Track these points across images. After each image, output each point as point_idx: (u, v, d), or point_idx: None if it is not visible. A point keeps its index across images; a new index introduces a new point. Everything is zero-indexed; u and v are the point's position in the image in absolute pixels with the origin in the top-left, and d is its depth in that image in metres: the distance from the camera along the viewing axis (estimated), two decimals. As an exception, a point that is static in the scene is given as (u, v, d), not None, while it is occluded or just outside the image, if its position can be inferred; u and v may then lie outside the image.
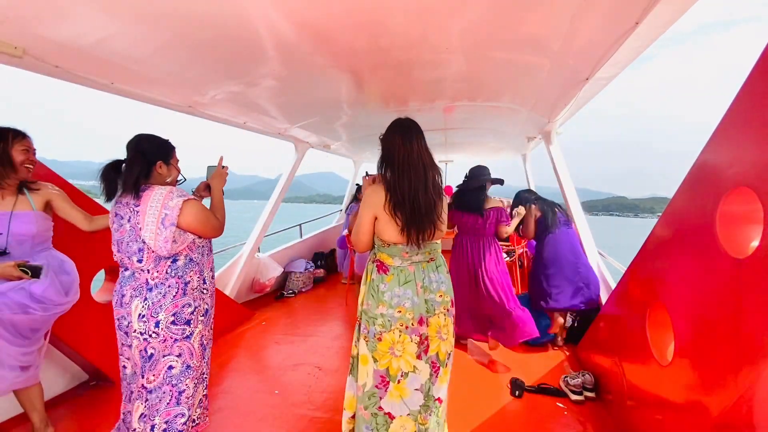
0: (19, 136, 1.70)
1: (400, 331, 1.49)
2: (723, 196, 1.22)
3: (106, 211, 2.35)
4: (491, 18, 1.56)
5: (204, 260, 1.64)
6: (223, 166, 1.79)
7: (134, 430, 1.49)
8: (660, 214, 1.71)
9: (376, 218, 1.50)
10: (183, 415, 1.53)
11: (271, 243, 5.19)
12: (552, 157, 3.51)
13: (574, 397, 2.20)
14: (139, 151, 1.50)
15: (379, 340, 1.50)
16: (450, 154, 6.29)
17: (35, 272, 1.63)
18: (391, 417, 1.50)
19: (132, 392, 1.53)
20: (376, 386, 1.51)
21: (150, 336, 1.47)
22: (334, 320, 3.66)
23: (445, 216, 1.55)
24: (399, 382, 1.50)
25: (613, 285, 2.62)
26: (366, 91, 2.60)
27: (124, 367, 1.56)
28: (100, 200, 2.20)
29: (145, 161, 1.51)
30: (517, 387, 2.32)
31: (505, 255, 5.00)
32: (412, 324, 1.50)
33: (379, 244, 1.55)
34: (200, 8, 1.42)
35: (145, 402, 1.49)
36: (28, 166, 1.73)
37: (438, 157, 6.77)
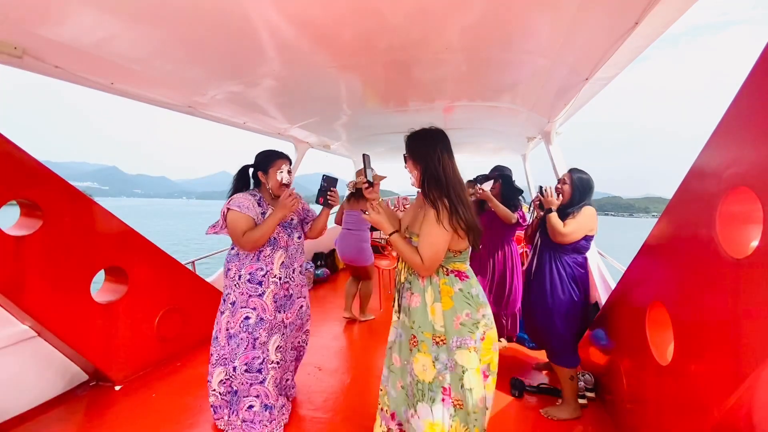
0: None
1: (493, 328, 1.53)
2: (723, 196, 1.22)
3: (104, 209, 2.36)
4: (491, 18, 1.56)
5: (278, 236, 1.97)
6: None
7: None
8: (655, 213, 1.71)
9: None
10: (258, 357, 1.87)
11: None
12: (552, 157, 3.51)
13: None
14: (253, 164, 2.02)
15: (483, 339, 1.49)
16: (450, 154, 6.28)
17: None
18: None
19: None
20: (483, 386, 1.50)
21: (236, 286, 1.89)
22: (335, 320, 3.66)
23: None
24: (495, 375, 1.53)
25: (613, 285, 2.62)
26: (366, 91, 2.60)
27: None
28: (97, 200, 2.25)
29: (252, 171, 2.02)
30: (517, 387, 2.32)
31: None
32: None
33: (450, 255, 1.50)
34: (200, 8, 1.42)
35: (227, 347, 1.89)
36: None
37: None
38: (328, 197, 1.92)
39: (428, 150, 1.49)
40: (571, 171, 2.27)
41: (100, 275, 2.41)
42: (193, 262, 3.38)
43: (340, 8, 1.45)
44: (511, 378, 2.41)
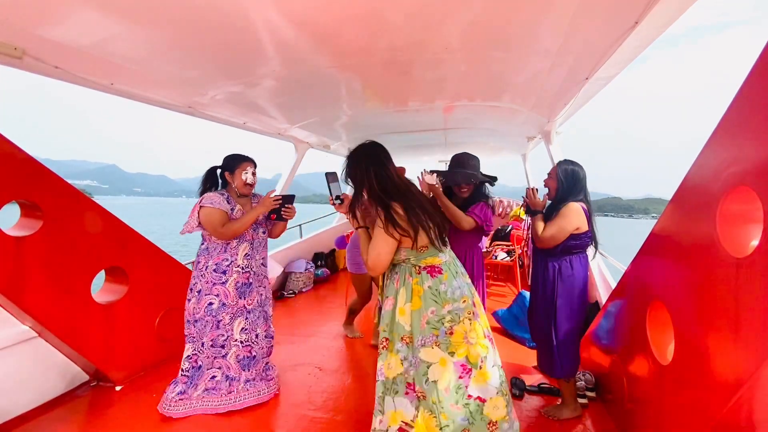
0: None
1: (469, 320, 1.55)
2: (723, 196, 1.22)
3: (104, 210, 2.36)
4: (491, 18, 1.56)
5: (244, 235, 2.18)
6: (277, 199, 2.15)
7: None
8: (654, 215, 1.70)
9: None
10: (222, 335, 2.13)
11: (271, 243, 5.19)
12: (552, 157, 3.51)
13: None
14: (221, 166, 2.22)
15: (451, 334, 1.52)
16: (450, 154, 6.27)
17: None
18: (482, 400, 1.51)
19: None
20: (460, 377, 1.51)
21: (202, 276, 2.12)
22: (335, 320, 3.66)
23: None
24: (481, 368, 1.53)
25: (613, 284, 2.62)
26: (366, 91, 2.60)
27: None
28: (97, 199, 2.29)
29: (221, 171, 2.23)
30: (517, 387, 2.31)
31: (506, 255, 5.00)
32: (474, 309, 1.59)
33: (415, 253, 1.55)
34: (200, 8, 1.42)
35: (193, 328, 2.14)
36: None
37: (438, 157, 6.78)
38: (282, 213, 2.17)
39: (358, 170, 1.61)
40: (558, 164, 2.07)
41: (101, 275, 2.41)
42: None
43: (340, 8, 1.45)
44: (511, 378, 2.41)
